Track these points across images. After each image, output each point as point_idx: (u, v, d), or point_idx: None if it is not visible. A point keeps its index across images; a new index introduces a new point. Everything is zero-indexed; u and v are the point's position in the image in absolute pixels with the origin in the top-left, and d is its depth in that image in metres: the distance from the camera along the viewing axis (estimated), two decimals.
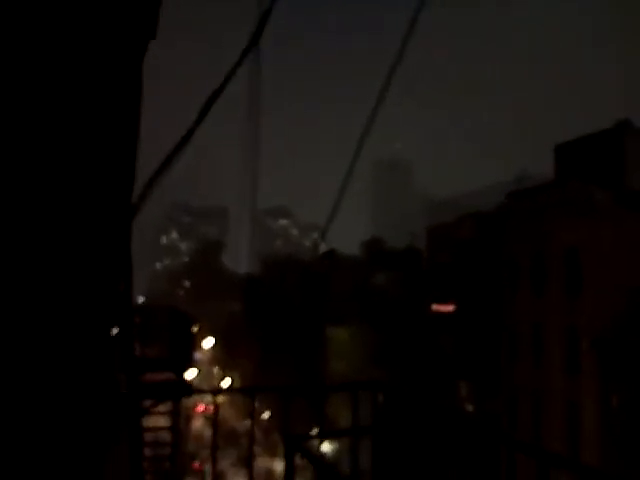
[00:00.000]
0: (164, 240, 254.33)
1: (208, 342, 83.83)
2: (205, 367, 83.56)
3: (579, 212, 27.34)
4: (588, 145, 30.75)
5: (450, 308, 35.72)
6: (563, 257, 28.14)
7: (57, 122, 1.80)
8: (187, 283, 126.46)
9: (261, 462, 47.57)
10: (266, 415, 53.99)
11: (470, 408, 32.59)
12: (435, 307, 37.27)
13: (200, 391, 5.73)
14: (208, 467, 41.38)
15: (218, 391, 3.59)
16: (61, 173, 1.81)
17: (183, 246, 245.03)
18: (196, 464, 41.58)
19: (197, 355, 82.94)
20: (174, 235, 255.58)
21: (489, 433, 2.89)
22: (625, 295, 25.70)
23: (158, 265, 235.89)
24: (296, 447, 2.90)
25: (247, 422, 50.77)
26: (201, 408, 55.06)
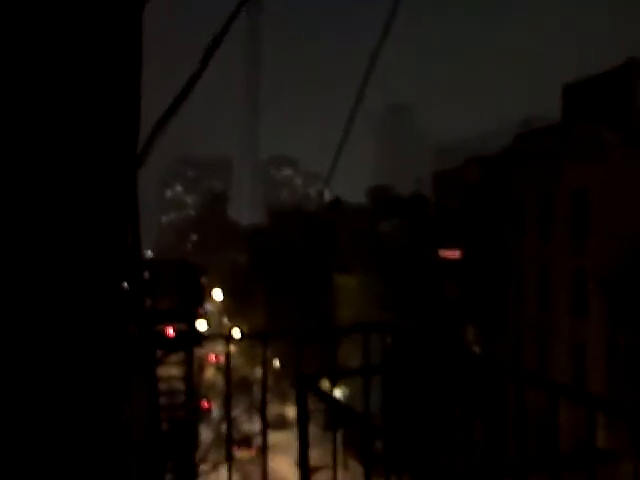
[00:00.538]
0: (169, 194, 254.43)
1: (217, 293, 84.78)
2: (215, 318, 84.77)
3: (587, 154, 27.05)
4: (596, 85, 30.15)
5: (457, 254, 35.80)
6: (570, 199, 28.00)
7: (58, 73, 1.77)
8: (194, 236, 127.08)
9: (273, 408, 48.62)
10: (277, 363, 54.97)
11: (477, 350, 33.01)
12: (442, 253, 37.37)
13: (212, 337, 5.82)
14: (216, 410, 42.57)
15: (230, 337, 3.62)
16: (63, 124, 1.77)
17: (188, 199, 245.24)
18: (205, 403, 42.82)
19: (207, 306, 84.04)
20: (179, 189, 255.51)
21: (497, 368, 2.89)
22: (633, 236, 25.65)
23: (164, 219, 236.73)
24: (308, 386, 2.92)
25: (258, 370, 51.72)
26: (213, 358, 56.02)
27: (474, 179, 34.51)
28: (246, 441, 39.58)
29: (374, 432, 2.23)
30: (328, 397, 2.78)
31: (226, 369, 4.01)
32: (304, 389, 2.85)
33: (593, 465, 1.97)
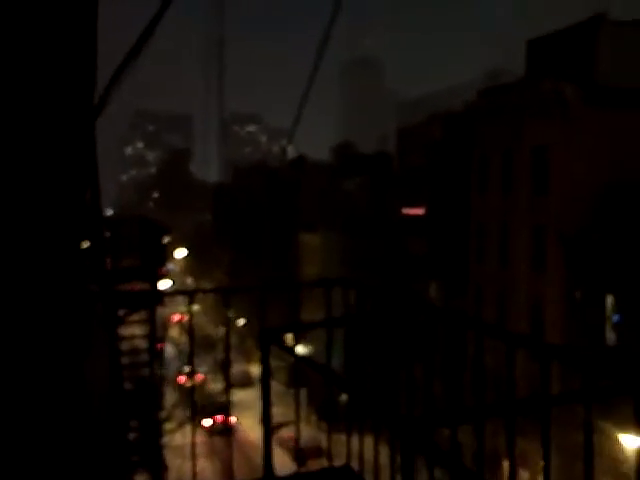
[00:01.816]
0: (129, 150, 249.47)
1: (180, 252, 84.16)
2: (179, 278, 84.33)
3: (549, 110, 27.22)
4: (561, 41, 30.16)
5: (420, 211, 36.04)
6: (532, 156, 28.26)
7: (10, 23, 1.65)
8: (156, 194, 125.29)
9: (237, 367, 49.05)
10: (241, 322, 55.18)
11: (439, 305, 33.59)
12: (405, 210, 37.59)
13: (174, 293, 5.75)
14: (170, 349, 42.39)
15: (193, 292, 3.56)
16: (14, 72, 1.65)
17: (149, 156, 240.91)
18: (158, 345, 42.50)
19: (170, 266, 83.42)
20: (139, 145, 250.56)
21: (456, 320, 2.92)
22: (592, 192, 26.11)
23: (125, 177, 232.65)
24: (271, 339, 2.89)
25: (222, 329, 51.88)
26: (177, 317, 55.93)
27: (438, 135, 34.54)
28: (219, 410, 36.60)
29: (335, 382, 2.22)
30: (290, 349, 2.76)
31: (189, 327, 3.94)
32: (267, 342, 2.83)
33: (547, 409, 2.00)
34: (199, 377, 41.46)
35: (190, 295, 3.46)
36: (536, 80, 29.02)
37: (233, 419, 36.97)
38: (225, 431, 33.32)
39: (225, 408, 37.46)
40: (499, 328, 2.72)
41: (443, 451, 1.67)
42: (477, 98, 34.27)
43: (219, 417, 36.76)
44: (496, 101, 31.18)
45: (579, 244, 26.09)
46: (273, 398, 3.34)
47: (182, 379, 41.34)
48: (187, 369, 39.01)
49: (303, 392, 36.29)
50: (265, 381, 2.96)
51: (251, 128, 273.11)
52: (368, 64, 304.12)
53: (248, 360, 50.90)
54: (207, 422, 36.39)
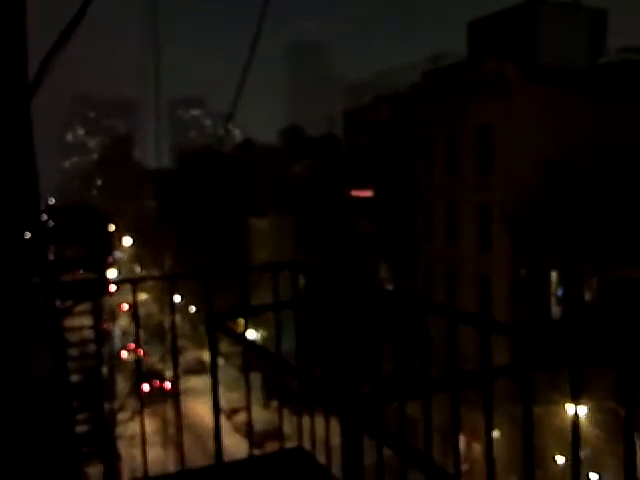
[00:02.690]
0: (70, 137, 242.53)
1: (127, 240, 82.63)
2: (126, 266, 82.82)
3: (492, 90, 27.66)
4: (501, 21, 30.61)
5: (368, 193, 36.25)
6: (476, 135, 28.71)
7: None
8: (99, 181, 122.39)
9: (190, 354, 48.65)
10: (193, 309, 54.65)
11: (389, 287, 33.98)
12: (354, 192, 37.74)
13: (119, 281, 5.63)
14: (117, 330, 42.89)
15: (137, 280, 3.47)
16: None
17: (91, 143, 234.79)
18: (132, 345, 42.91)
19: (117, 254, 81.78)
20: (80, 131, 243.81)
21: (404, 300, 2.95)
22: (536, 170, 26.73)
23: (67, 164, 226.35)
24: (218, 325, 2.84)
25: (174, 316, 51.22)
26: (126, 306, 55.01)
27: (384, 117, 34.71)
28: (156, 377, 40.54)
29: (283, 367, 2.21)
30: (237, 335, 2.72)
31: (134, 313, 3.85)
32: (214, 328, 2.79)
33: (489, 381, 2.04)
34: (139, 352, 41.91)
35: (134, 283, 3.38)
36: (478, 61, 29.41)
37: (168, 385, 40.57)
38: (162, 396, 35.52)
39: (161, 375, 40.95)
40: (440, 305, 2.78)
41: (387, 429, 1.67)
42: (422, 79, 34.55)
43: (156, 383, 40.41)
44: (440, 82, 31.50)
45: (523, 222, 26.72)
46: (229, 383, 3.32)
47: (124, 354, 43.38)
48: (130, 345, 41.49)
49: (257, 376, 36.30)
50: (213, 367, 2.92)
51: (195, 112, 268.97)
52: (314, 47, 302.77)
53: (201, 347, 50.51)
54: (145, 387, 37.73)
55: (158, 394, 36.34)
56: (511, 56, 28.11)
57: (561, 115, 26.86)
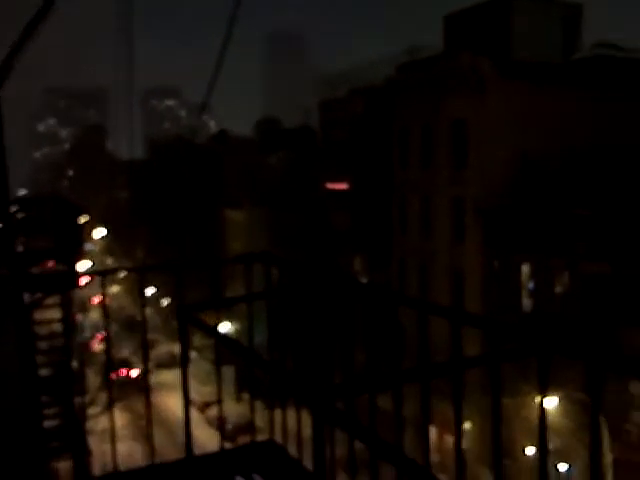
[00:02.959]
0: (41, 127, 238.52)
1: (99, 232, 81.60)
2: (98, 258, 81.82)
3: (466, 84, 27.79)
4: (477, 15, 30.76)
5: (344, 186, 36.25)
6: (451, 130, 28.85)
7: None
8: (71, 172, 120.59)
9: (162, 347, 48.30)
10: (165, 302, 54.24)
11: (364, 279, 34.09)
12: (329, 185, 37.72)
13: (89, 273, 5.50)
14: (86, 321, 43.11)
15: (106, 272, 3.41)
16: None
17: (63, 133, 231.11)
18: (100, 335, 42.95)
19: (89, 246, 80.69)
20: (51, 121, 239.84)
21: (375, 292, 2.94)
22: (509, 165, 26.96)
23: (38, 154, 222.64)
24: (189, 318, 2.80)
25: (145, 309, 50.82)
26: (97, 299, 54.37)
27: (359, 110, 34.69)
28: (122, 365, 41.40)
29: (253, 360, 2.19)
30: (208, 327, 2.68)
31: (103, 306, 3.79)
32: (184, 320, 2.75)
33: (459, 371, 2.04)
34: (106, 342, 42.52)
35: (103, 275, 3.32)
36: (453, 55, 29.53)
37: (134, 372, 41.58)
38: (129, 382, 36.80)
39: (127, 363, 41.87)
40: (411, 297, 2.78)
41: (356, 421, 1.66)
42: (397, 73, 34.58)
43: (123, 370, 41.47)
44: (415, 75, 31.56)
45: (496, 216, 26.97)
46: (202, 377, 3.28)
47: (93, 345, 43.59)
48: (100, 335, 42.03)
49: (230, 369, 36.16)
50: (183, 360, 2.88)
51: (169, 102, 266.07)
52: (290, 38, 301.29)
53: (174, 340, 50.18)
54: (112, 376, 38.23)
55: (129, 387, 36.14)
56: (486, 50, 28.27)
57: (535, 110, 27.11)
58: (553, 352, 1.94)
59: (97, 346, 43.17)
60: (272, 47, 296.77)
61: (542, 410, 2.07)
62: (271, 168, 45.76)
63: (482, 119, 27.29)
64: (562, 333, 22.22)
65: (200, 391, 35.63)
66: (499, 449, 2.14)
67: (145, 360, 3.82)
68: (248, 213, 46.49)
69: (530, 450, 22.71)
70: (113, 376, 37.44)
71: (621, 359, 1.80)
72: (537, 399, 2.07)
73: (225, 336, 2.53)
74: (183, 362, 2.88)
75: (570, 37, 31.24)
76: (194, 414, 36.75)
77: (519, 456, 22.37)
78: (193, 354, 47.30)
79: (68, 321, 8.94)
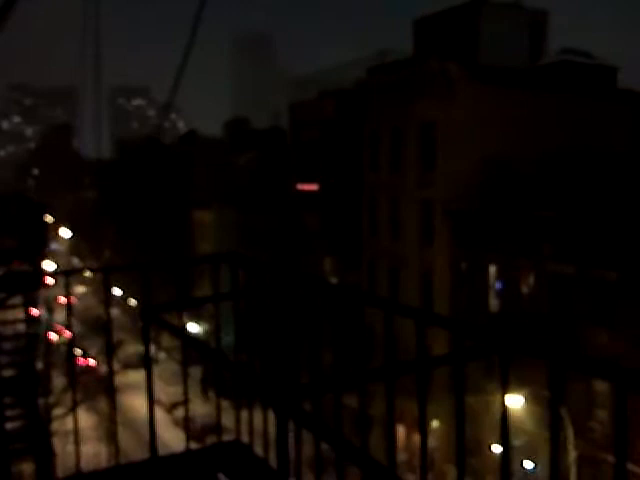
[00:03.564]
0: (5, 125, 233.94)
1: (65, 232, 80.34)
2: (64, 258, 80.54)
3: (435, 88, 28.04)
4: (446, 20, 31.05)
5: (314, 187, 36.27)
6: (420, 133, 29.07)
7: None
8: (36, 171, 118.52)
9: (131, 348, 47.69)
10: (133, 302, 53.64)
11: (334, 281, 34.16)
12: (300, 186, 37.70)
13: (52, 274, 5.41)
14: (44, 314, 42.89)
15: (70, 272, 3.36)
16: None
17: (28, 131, 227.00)
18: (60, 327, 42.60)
19: (54, 246, 79.35)
20: (16, 119, 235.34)
21: (341, 292, 2.96)
22: (477, 167, 27.27)
23: (2, 153, 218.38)
24: (153, 318, 2.77)
25: (112, 310, 50.24)
26: (63, 299, 53.63)
27: (329, 112, 34.76)
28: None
29: (218, 360, 2.19)
30: (173, 327, 2.66)
31: (67, 305, 3.74)
32: (148, 320, 2.73)
33: (423, 370, 2.06)
34: (67, 335, 42.55)
35: (67, 275, 3.27)
36: (422, 59, 29.77)
37: (92, 361, 41.14)
38: (87, 371, 36.78)
39: (85, 352, 41.29)
40: (377, 297, 2.80)
41: (318, 420, 1.67)
42: (367, 76, 34.74)
43: (81, 359, 41.37)
44: (385, 79, 31.74)
45: (464, 217, 27.27)
46: (169, 377, 3.26)
47: (52, 337, 43.48)
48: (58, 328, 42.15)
49: (198, 370, 35.91)
50: (147, 360, 2.86)
51: (138, 102, 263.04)
52: (261, 40, 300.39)
53: (142, 341, 49.58)
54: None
55: (96, 388, 35.66)
56: (455, 55, 28.57)
57: (502, 114, 27.49)
58: (514, 351, 1.98)
59: (57, 337, 42.60)
60: (242, 48, 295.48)
61: (504, 407, 2.11)
62: (240, 169, 45.57)
63: (450, 122, 27.56)
64: (524, 332, 22.57)
65: (167, 392, 35.28)
66: (462, 446, 2.18)
67: (109, 360, 3.78)
68: (217, 214, 46.21)
69: (497, 448, 23.00)
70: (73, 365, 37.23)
71: (580, 358, 1.84)
72: (504, 398, 2.11)
73: (190, 336, 2.52)
74: (146, 363, 2.86)
75: (536, 43, 31.77)
76: (161, 415, 36.41)
77: (486, 454, 22.65)
78: (162, 355, 46.85)
79: (30, 320, 8.79)
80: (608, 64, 31.70)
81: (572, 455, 19.47)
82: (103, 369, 40.05)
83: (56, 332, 42.28)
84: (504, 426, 2.12)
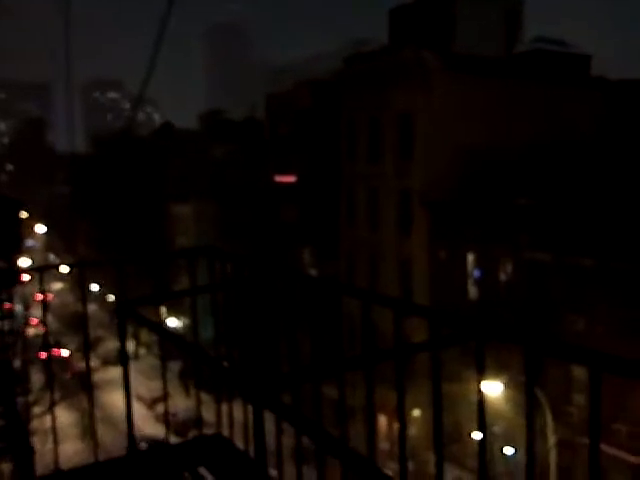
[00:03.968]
0: None
1: (40, 228, 79.32)
2: (40, 255, 79.53)
3: (411, 78, 28.07)
4: (421, 9, 31.07)
5: (292, 179, 36.18)
6: (397, 123, 29.11)
7: None
8: (9, 166, 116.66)
9: (110, 344, 47.33)
10: (111, 297, 53.18)
11: (313, 272, 34.16)
12: (277, 178, 37.59)
13: (26, 270, 5.34)
14: (18, 307, 42.61)
15: (44, 268, 3.32)
16: None
17: (2, 126, 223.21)
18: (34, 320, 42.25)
19: (30, 242, 78.29)
20: None
21: (318, 282, 2.97)
22: (454, 157, 27.42)
23: None
24: (128, 313, 2.75)
25: (89, 306, 49.83)
26: (40, 296, 52.97)
27: (306, 103, 34.64)
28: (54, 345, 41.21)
29: (195, 354, 2.18)
30: (149, 322, 2.64)
31: (42, 301, 3.70)
32: (124, 315, 2.71)
33: (401, 357, 2.08)
34: (42, 328, 42.24)
35: (40, 271, 3.23)
36: (398, 48, 29.77)
37: (65, 352, 41.79)
38: (65, 368, 37.44)
39: (58, 343, 42.01)
40: (354, 287, 2.81)
41: (297, 411, 1.67)
42: (343, 66, 34.65)
43: (55, 350, 41.79)
44: (361, 68, 31.69)
45: (442, 207, 27.41)
46: (150, 372, 3.25)
47: (29, 332, 43.32)
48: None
49: (178, 364, 35.74)
50: (123, 356, 2.83)
51: (112, 95, 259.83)
52: (234, 30, 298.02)
53: None
54: (43, 355, 37.65)
55: (75, 385, 35.41)
56: (431, 44, 28.61)
57: (478, 103, 27.62)
58: (489, 337, 2.00)
59: (31, 330, 42.16)
60: (217, 40, 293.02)
61: (480, 393, 2.13)
62: (217, 161, 45.28)
63: (427, 112, 27.63)
64: (502, 319, 22.82)
65: (148, 387, 35.09)
66: (440, 434, 2.20)
67: (87, 357, 3.75)
68: (194, 207, 45.92)
69: (477, 434, 23.25)
70: (44, 355, 36.85)
71: (555, 343, 1.87)
72: (484, 384, 2.14)
73: (167, 331, 2.51)
74: (123, 359, 2.84)
75: (512, 31, 31.95)
76: (142, 411, 36.17)
77: (466, 440, 22.89)
78: (142, 350, 46.57)
79: (9, 318, 8.69)
80: (581, 52, 32.00)
81: (551, 440, 19.76)
82: (82, 365, 39.72)
83: (32, 326, 41.76)
84: (481, 412, 2.14)
